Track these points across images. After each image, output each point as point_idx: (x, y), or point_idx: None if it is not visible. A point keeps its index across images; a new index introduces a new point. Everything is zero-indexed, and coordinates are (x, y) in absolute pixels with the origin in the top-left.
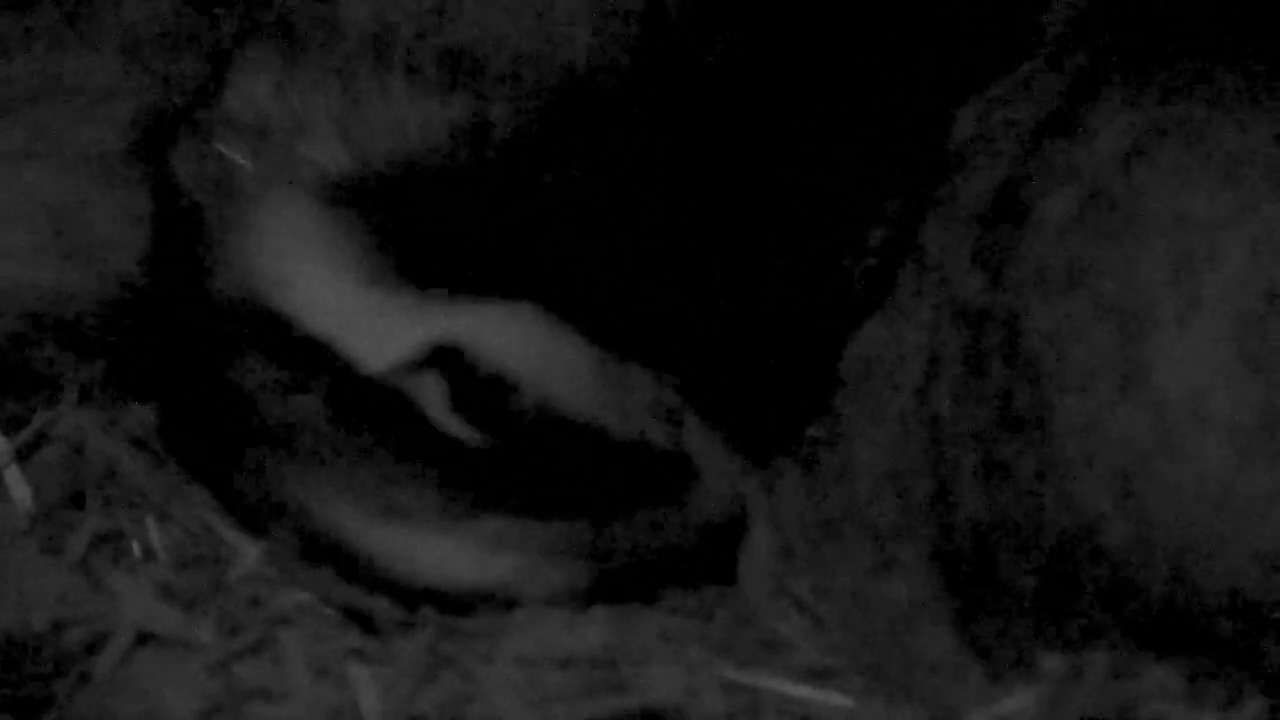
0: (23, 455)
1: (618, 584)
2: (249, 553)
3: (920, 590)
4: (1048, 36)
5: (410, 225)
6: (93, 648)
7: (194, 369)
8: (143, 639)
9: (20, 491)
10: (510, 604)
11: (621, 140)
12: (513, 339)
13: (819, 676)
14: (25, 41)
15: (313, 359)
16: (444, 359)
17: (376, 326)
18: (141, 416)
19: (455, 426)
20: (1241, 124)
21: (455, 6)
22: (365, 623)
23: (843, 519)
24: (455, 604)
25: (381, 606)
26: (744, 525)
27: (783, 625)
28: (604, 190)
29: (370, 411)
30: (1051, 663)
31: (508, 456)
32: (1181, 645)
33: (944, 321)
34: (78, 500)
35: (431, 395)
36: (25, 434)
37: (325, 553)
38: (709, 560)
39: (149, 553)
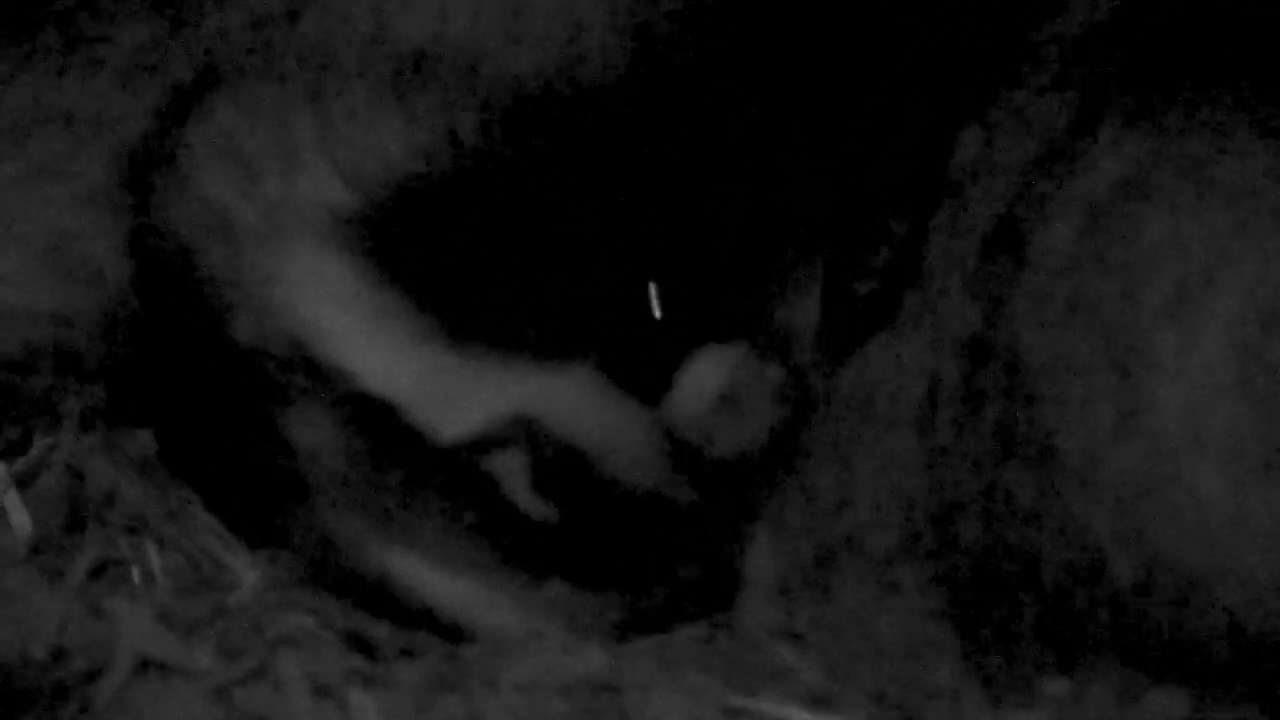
0: (22, 482)
1: (646, 632)
2: (249, 578)
3: (922, 616)
4: (1048, 61)
5: (426, 257)
6: (93, 675)
7: (222, 409)
8: (143, 665)
9: (19, 518)
10: None
11: (606, 156)
12: (580, 409)
13: (821, 702)
14: (23, 69)
15: (374, 415)
16: (516, 432)
17: (445, 394)
18: (142, 442)
19: (534, 505)
20: (1240, 155)
21: (399, 8)
22: (367, 648)
23: (844, 545)
24: (458, 633)
25: (383, 632)
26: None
27: (784, 651)
28: (586, 205)
29: (437, 474)
30: (1054, 687)
31: (573, 527)
32: (1185, 672)
33: (944, 349)
34: (77, 526)
35: (511, 475)
36: (24, 460)
37: (363, 588)
38: (716, 591)
39: (149, 579)
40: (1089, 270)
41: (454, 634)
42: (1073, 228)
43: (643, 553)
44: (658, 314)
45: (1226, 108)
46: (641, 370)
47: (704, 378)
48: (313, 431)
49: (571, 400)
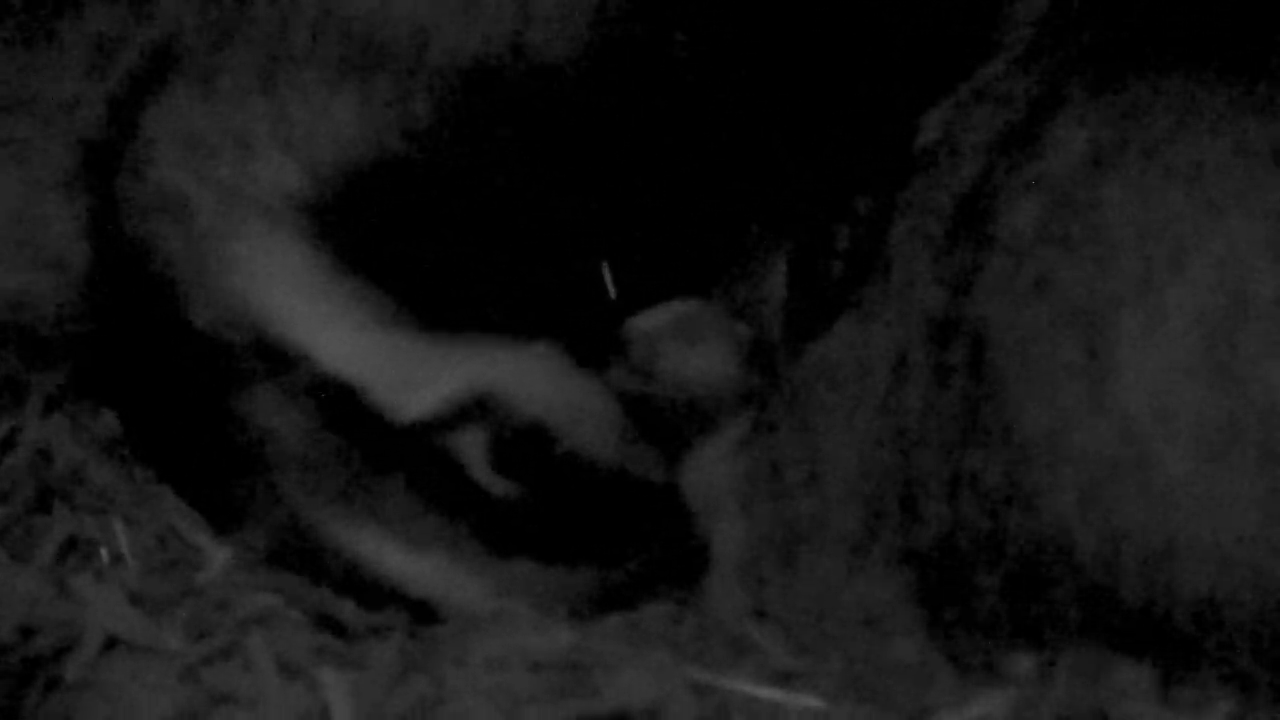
0: None
1: (614, 610)
2: (218, 557)
3: (890, 594)
4: (1013, 41)
5: (382, 240)
6: (61, 653)
7: (181, 394)
8: (111, 644)
9: None
10: None
11: (565, 135)
12: (541, 386)
13: (789, 679)
14: None
15: (334, 398)
16: (476, 410)
17: (404, 374)
18: (108, 423)
19: (494, 483)
20: (1206, 133)
21: None
22: (335, 626)
23: (811, 523)
24: (426, 611)
25: (351, 610)
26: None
27: (752, 629)
28: (548, 188)
29: (399, 453)
30: (1022, 664)
31: (536, 503)
32: (1151, 648)
33: (910, 330)
34: (45, 506)
35: (472, 452)
36: None
37: (331, 570)
38: (684, 569)
39: (117, 558)
40: (1055, 250)
41: (422, 612)
42: (1038, 207)
43: (609, 529)
44: (612, 294)
45: (1191, 86)
46: (605, 348)
47: (663, 310)
48: (273, 415)
49: (532, 378)
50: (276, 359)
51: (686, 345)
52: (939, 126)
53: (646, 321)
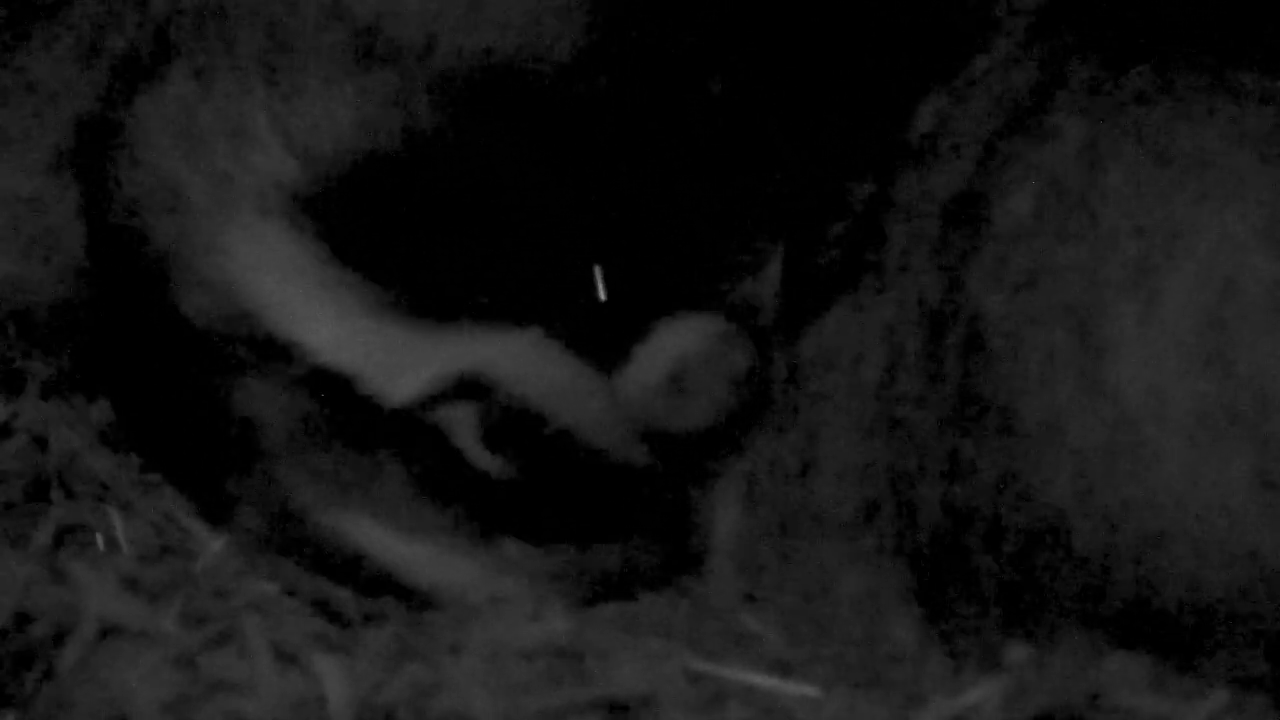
0: None
1: (608, 598)
2: (214, 544)
3: (885, 582)
4: (1010, 30)
5: (376, 231)
6: (57, 640)
7: (173, 383)
8: (107, 631)
9: None
10: None
11: (561, 131)
12: (532, 369)
13: (785, 667)
14: None
15: (326, 386)
16: (467, 390)
17: (395, 361)
18: (105, 410)
19: (486, 459)
20: (1201, 123)
21: None
22: (331, 613)
23: (807, 511)
24: (420, 597)
25: (347, 597)
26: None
27: (748, 616)
28: (544, 188)
29: (390, 437)
30: (1016, 653)
31: (527, 483)
32: (1145, 637)
33: (906, 318)
34: (41, 493)
35: (463, 428)
36: None
37: (326, 558)
38: (679, 557)
39: (113, 545)
40: (1050, 239)
41: (416, 599)
42: (1034, 197)
43: (602, 512)
44: (603, 296)
45: (1187, 76)
46: (599, 339)
47: (656, 358)
48: (264, 404)
49: (523, 361)
50: (268, 348)
51: (679, 402)
52: (935, 115)
53: (636, 379)
